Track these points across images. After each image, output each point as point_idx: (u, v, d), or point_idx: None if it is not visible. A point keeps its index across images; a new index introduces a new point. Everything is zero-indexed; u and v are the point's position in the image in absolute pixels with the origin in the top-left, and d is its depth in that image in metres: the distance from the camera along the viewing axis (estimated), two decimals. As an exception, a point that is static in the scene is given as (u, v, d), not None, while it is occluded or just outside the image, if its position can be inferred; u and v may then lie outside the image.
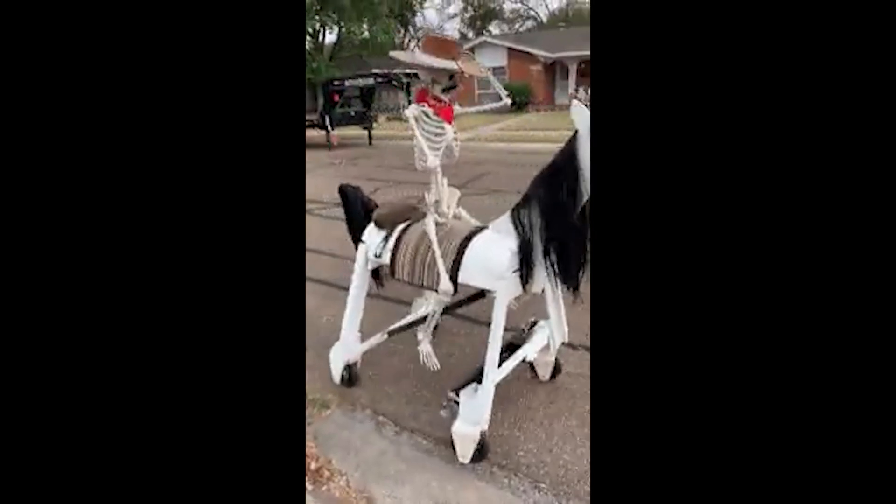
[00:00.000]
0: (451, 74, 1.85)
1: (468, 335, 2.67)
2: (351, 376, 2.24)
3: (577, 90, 16.34)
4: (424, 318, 2.13)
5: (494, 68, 18.43)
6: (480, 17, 32.75)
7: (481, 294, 1.97)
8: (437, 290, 1.80)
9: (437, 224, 1.88)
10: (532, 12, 36.99)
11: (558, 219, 1.58)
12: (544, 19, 36.11)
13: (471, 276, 1.76)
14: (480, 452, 1.76)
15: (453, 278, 1.76)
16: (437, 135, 1.89)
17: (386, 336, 2.23)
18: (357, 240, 2.11)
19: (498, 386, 1.79)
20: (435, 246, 1.80)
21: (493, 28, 33.90)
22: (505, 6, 35.32)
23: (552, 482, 1.69)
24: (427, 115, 1.86)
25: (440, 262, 1.77)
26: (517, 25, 36.14)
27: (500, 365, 1.80)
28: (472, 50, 19.19)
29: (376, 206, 2.13)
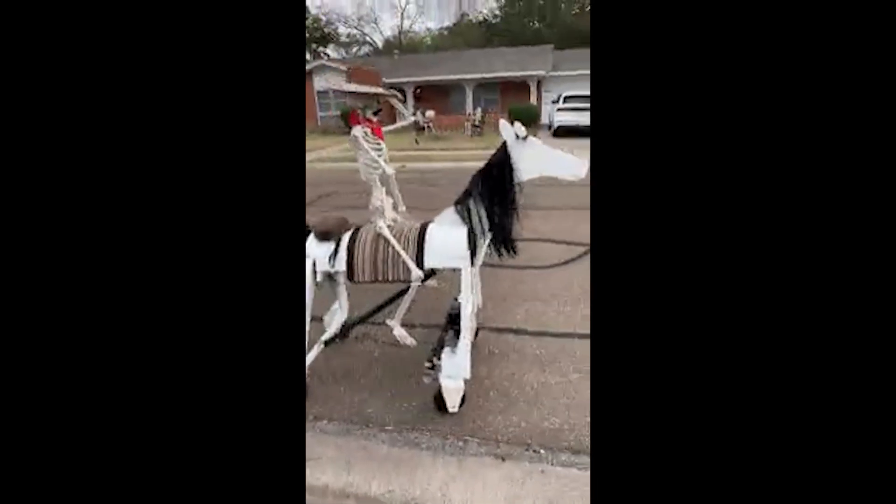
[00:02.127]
0: (378, 99, 2.21)
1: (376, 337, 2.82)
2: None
3: (415, 113, 17.36)
4: (350, 325, 2.38)
5: (334, 91, 18.55)
6: (316, 40, 32.53)
7: (389, 301, 2.30)
8: (407, 280, 2.05)
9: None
10: (368, 38, 38.11)
11: (499, 207, 1.99)
12: (380, 45, 37.48)
13: (437, 260, 2.05)
14: (462, 401, 2.11)
15: (419, 265, 2.04)
16: (377, 150, 2.23)
17: (323, 346, 2.37)
18: None
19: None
20: (394, 242, 2.05)
21: (331, 51, 33.97)
22: (340, 31, 35.74)
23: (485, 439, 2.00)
24: (367, 135, 2.17)
25: (404, 254, 2.03)
26: (354, 50, 36.82)
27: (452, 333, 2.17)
28: (310, 72, 19.02)
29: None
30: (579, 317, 2.99)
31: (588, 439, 1.97)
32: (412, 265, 2.03)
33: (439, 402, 2.13)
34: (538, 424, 2.06)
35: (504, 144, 1.96)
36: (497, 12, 34.01)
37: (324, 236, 2.12)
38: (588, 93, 16.47)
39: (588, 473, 1.78)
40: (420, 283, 2.12)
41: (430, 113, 16.85)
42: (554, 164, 1.92)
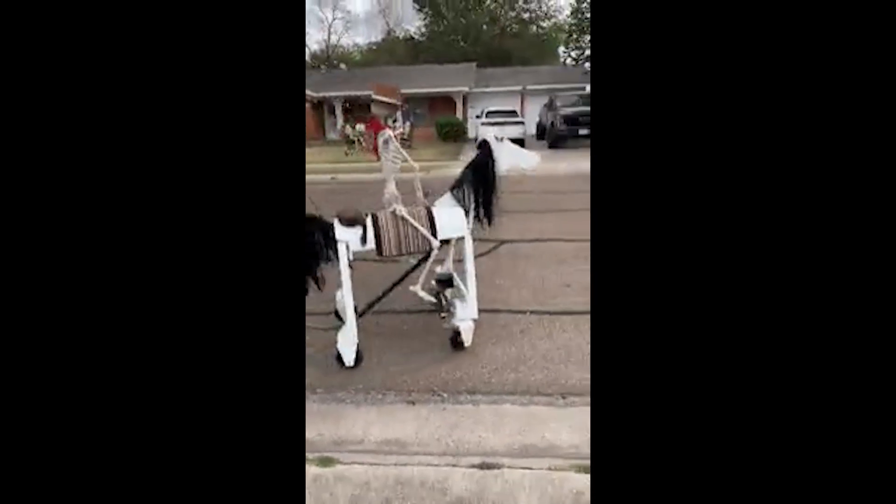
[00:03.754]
0: (396, 109, 2.92)
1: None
2: (358, 356, 2.66)
3: (345, 126, 17.61)
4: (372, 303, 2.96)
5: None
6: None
7: (383, 296, 2.94)
8: (426, 250, 2.66)
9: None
10: (293, 52, 37.54)
11: (484, 191, 2.73)
12: (308, 60, 37.17)
13: (447, 232, 2.67)
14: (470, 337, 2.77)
15: (435, 237, 2.64)
16: (396, 150, 2.86)
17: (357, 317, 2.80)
18: (314, 265, 2.53)
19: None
20: (413, 221, 2.61)
21: (254, 64, 33.12)
22: (264, 43, 34.93)
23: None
24: (391, 138, 2.80)
25: (423, 230, 2.62)
26: (279, 63, 36.09)
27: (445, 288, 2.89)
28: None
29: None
30: (493, 291, 3.50)
31: (481, 384, 2.45)
32: (430, 237, 2.63)
33: (455, 340, 2.75)
34: (444, 377, 2.52)
35: (487, 144, 2.75)
36: (423, 30, 35.11)
37: (350, 222, 2.60)
38: (507, 108, 17.64)
39: (478, 408, 2.25)
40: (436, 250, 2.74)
41: (360, 127, 17.14)
42: (519, 158, 2.80)
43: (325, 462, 1.84)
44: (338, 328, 2.86)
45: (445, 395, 2.37)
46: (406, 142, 17.38)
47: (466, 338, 2.76)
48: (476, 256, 3.15)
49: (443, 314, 2.87)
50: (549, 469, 1.77)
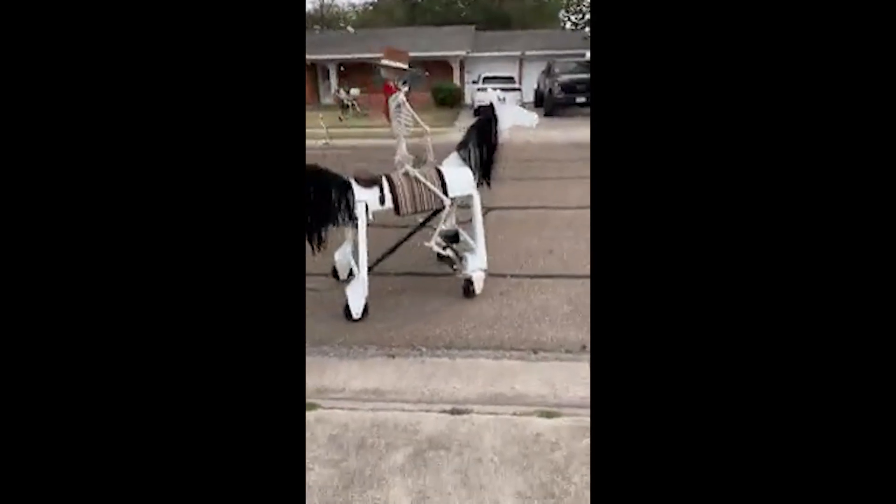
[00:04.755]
0: (405, 73, 3.01)
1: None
2: (366, 309, 2.81)
3: (339, 90, 17.29)
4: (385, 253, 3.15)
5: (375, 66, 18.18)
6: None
7: (393, 250, 3.15)
8: (439, 207, 2.86)
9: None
10: (286, 11, 36.30)
11: (487, 151, 2.94)
12: (300, 19, 35.92)
13: (456, 190, 2.88)
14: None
15: (446, 195, 2.83)
16: (408, 114, 2.98)
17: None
18: (318, 226, 2.60)
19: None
20: (424, 180, 2.78)
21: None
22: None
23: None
24: (403, 102, 2.93)
25: (435, 189, 2.80)
26: (272, 23, 34.96)
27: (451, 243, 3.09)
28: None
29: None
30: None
31: (459, 339, 2.58)
32: (442, 195, 2.83)
33: (468, 289, 3.01)
34: (425, 334, 2.65)
35: (491, 105, 2.99)
36: (421, -10, 33.95)
37: (368, 184, 2.74)
38: (504, 74, 17.30)
39: (454, 361, 2.39)
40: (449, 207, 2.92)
41: (355, 91, 16.86)
42: (521, 116, 3.01)
43: (307, 407, 1.98)
44: (329, 289, 2.99)
45: (424, 349, 2.50)
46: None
47: (478, 286, 3.03)
48: (465, 222, 3.24)
49: (455, 266, 3.10)
50: (514, 414, 1.91)
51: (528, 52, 20.79)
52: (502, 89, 14.79)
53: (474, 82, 17.47)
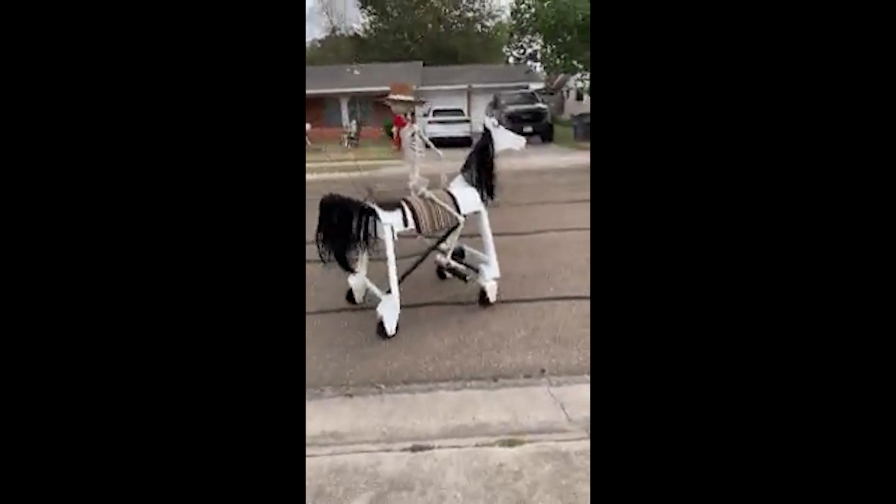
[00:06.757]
0: (413, 105, 3.43)
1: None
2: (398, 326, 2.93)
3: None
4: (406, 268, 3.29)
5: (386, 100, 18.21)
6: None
7: (413, 269, 3.35)
8: (454, 225, 3.15)
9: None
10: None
11: (487, 171, 3.22)
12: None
13: (468, 208, 3.16)
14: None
15: (459, 213, 3.10)
16: (421, 143, 3.31)
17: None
18: (345, 251, 2.74)
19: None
20: (440, 202, 3.05)
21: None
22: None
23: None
24: (417, 133, 3.29)
25: (450, 208, 3.08)
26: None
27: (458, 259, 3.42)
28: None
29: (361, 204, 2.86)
30: (437, 285, 3.60)
31: (420, 374, 2.54)
32: (456, 214, 3.11)
33: (483, 298, 3.26)
34: (381, 370, 2.59)
35: (487, 131, 3.25)
36: (368, 28, 34.75)
37: (390, 207, 2.88)
38: (453, 107, 17.82)
39: (414, 396, 2.34)
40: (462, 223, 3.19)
41: (307, 126, 16.82)
42: (511, 140, 3.29)
43: (260, 458, 1.87)
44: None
45: (383, 386, 2.44)
46: (353, 140, 17.21)
47: (491, 295, 3.29)
48: (464, 235, 3.49)
49: (468, 277, 3.34)
50: (476, 446, 1.88)
51: (475, 85, 21.55)
52: (452, 121, 15.20)
53: (424, 115, 17.85)
